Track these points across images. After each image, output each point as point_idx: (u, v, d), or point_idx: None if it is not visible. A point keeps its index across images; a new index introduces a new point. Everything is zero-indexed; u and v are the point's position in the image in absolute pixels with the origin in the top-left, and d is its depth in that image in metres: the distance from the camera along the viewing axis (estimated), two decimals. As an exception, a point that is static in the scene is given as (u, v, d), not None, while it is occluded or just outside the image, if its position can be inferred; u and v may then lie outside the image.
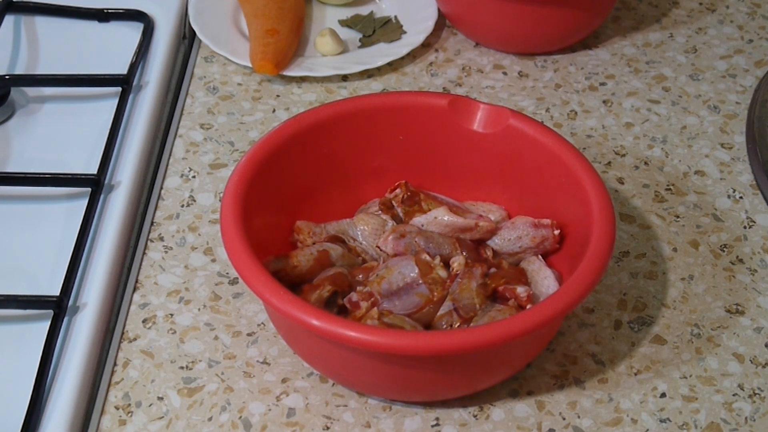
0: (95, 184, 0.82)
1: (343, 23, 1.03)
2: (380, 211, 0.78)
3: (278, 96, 0.95)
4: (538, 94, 0.95)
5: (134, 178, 0.84)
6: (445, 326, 0.70)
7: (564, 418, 0.70)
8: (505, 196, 0.79)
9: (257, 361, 0.73)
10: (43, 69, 0.97)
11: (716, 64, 0.99)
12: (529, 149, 0.76)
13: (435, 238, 0.74)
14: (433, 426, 0.70)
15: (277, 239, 0.75)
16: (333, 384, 0.71)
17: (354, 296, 0.70)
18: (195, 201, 0.84)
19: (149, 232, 0.82)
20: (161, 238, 0.81)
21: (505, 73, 0.98)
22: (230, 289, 0.77)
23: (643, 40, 1.02)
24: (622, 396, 0.71)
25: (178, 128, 0.91)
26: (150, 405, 0.70)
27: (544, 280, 0.73)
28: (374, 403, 0.70)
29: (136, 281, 0.78)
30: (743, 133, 0.91)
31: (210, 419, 0.69)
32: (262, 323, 0.75)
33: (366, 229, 0.77)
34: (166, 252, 0.80)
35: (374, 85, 0.96)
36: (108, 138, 0.86)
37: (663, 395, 0.71)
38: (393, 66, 0.98)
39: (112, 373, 0.72)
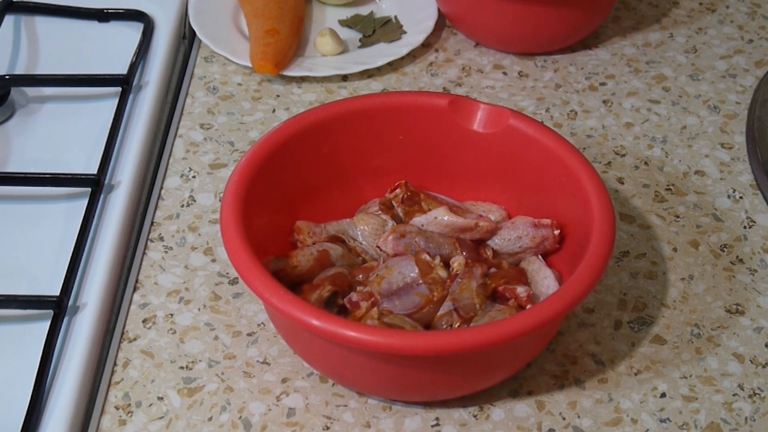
0: (95, 184, 0.82)
1: (343, 23, 1.03)
2: (380, 211, 0.78)
3: (278, 96, 0.95)
4: (538, 94, 0.95)
5: (134, 178, 0.84)
6: (445, 326, 0.70)
7: (564, 418, 0.70)
8: (505, 196, 0.79)
9: (257, 361, 0.73)
10: (43, 69, 0.97)
11: (716, 64, 0.99)
12: (529, 149, 0.76)
13: (435, 238, 0.74)
14: (433, 426, 0.70)
15: (277, 239, 0.75)
16: (333, 384, 0.71)
17: (354, 296, 0.70)
18: (195, 201, 0.84)
19: (149, 232, 0.82)
20: (161, 238, 0.81)
21: (505, 73, 0.98)
22: (230, 289, 0.77)
23: (643, 40, 1.02)
24: (622, 396, 0.71)
25: (178, 128, 0.91)
26: (150, 405, 0.70)
27: (544, 280, 0.73)
28: (374, 403, 0.70)
29: (136, 281, 0.78)
30: (743, 133, 0.91)
31: (210, 419, 0.69)
32: (262, 323, 0.75)
33: (366, 229, 0.77)
34: (166, 252, 0.80)
35: (374, 85, 0.96)
36: (108, 138, 0.86)
37: (663, 395, 0.71)
38: (393, 66, 0.98)
39: (112, 373, 0.72)
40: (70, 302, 0.75)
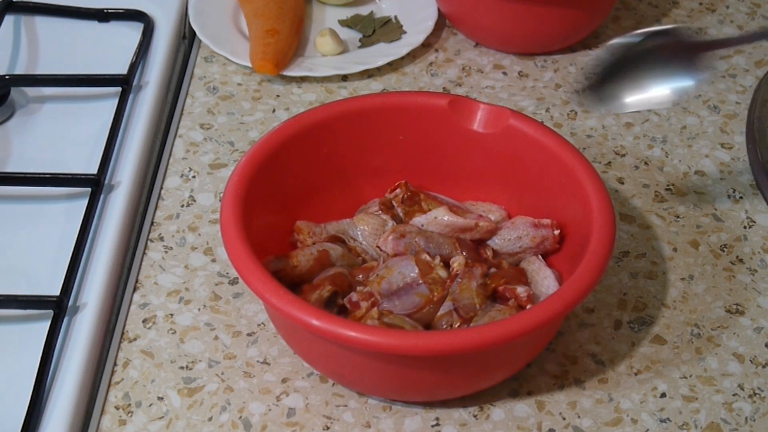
0: (95, 184, 0.82)
1: (343, 23, 1.03)
2: (380, 211, 0.78)
3: (278, 96, 0.95)
4: (538, 94, 0.95)
5: (134, 178, 0.84)
6: (445, 326, 0.70)
7: (564, 418, 0.70)
8: (505, 196, 0.79)
9: (257, 361, 0.73)
10: (43, 69, 0.97)
11: (716, 64, 0.99)
12: (529, 149, 0.76)
13: (435, 238, 0.74)
14: (433, 426, 0.70)
15: (277, 239, 0.75)
16: (333, 384, 0.71)
17: (354, 296, 0.70)
18: (195, 201, 0.84)
19: (149, 232, 0.82)
20: (161, 238, 0.81)
21: (505, 73, 0.98)
22: (230, 289, 0.77)
23: (643, 40, 1.02)
24: (622, 396, 0.71)
25: (178, 128, 0.91)
26: (150, 405, 0.70)
27: (544, 280, 0.73)
28: (374, 403, 0.70)
29: (136, 281, 0.78)
30: (743, 133, 0.91)
31: (210, 419, 0.69)
32: (262, 323, 0.75)
33: (366, 229, 0.77)
34: (166, 252, 0.80)
35: (374, 85, 0.96)
36: (108, 138, 0.86)
37: (663, 395, 0.71)
38: (393, 66, 0.98)
39: (112, 373, 0.72)
40: (70, 302, 0.75)
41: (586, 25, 0.98)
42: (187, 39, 1.02)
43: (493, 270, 0.73)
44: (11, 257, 0.79)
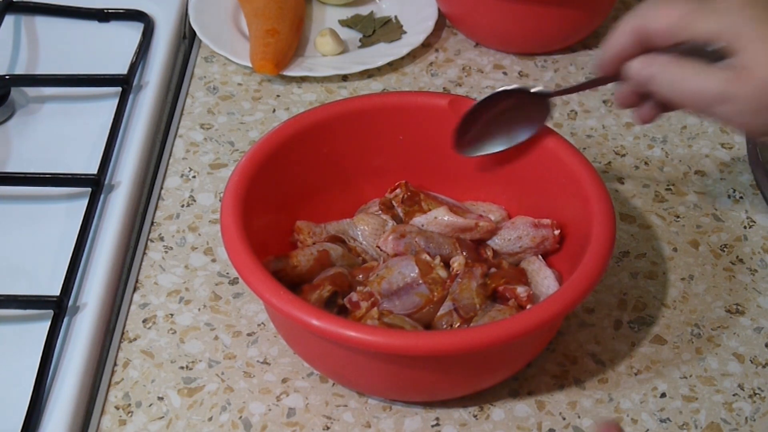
0: (95, 184, 0.82)
1: (343, 23, 1.03)
2: (380, 211, 0.78)
3: (278, 96, 0.95)
4: (538, 94, 0.95)
5: (134, 178, 0.84)
6: (445, 326, 0.70)
7: (564, 418, 0.70)
8: (505, 196, 0.79)
9: (257, 361, 0.73)
10: (43, 69, 0.97)
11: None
12: (529, 149, 0.76)
13: (435, 238, 0.74)
14: (433, 426, 0.70)
15: (277, 239, 0.75)
16: (333, 384, 0.71)
17: (354, 296, 0.70)
18: (195, 201, 0.84)
19: (149, 232, 0.82)
20: (161, 238, 0.81)
21: (505, 73, 0.98)
22: (230, 289, 0.77)
23: (643, 40, 1.02)
24: (622, 396, 0.71)
25: (178, 128, 0.91)
26: (150, 405, 0.70)
27: (544, 280, 0.73)
28: (374, 403, 0.70)
29: (136, 281, 0.78)
30: (743, 133, 0.91)
31: (210, 419, 0.69)
32: (262, 323, 0.75)
33: (366, 229, 0.77)
34: (166, 252, 0.80)
35: (374, 85, 0.96)
36: (108, 138, 0.86)
37: (663, 395, 0.71)
38: (393, 66, 0.98)
39: (112, 373, 0.72)
40: (70, 302, 0.75)
41: (586, 25, 0.98)
42: (187, 39, 1.02)
43: (493, 270, 0.73)
44: (11, 257, 0.79)
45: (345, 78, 0.97)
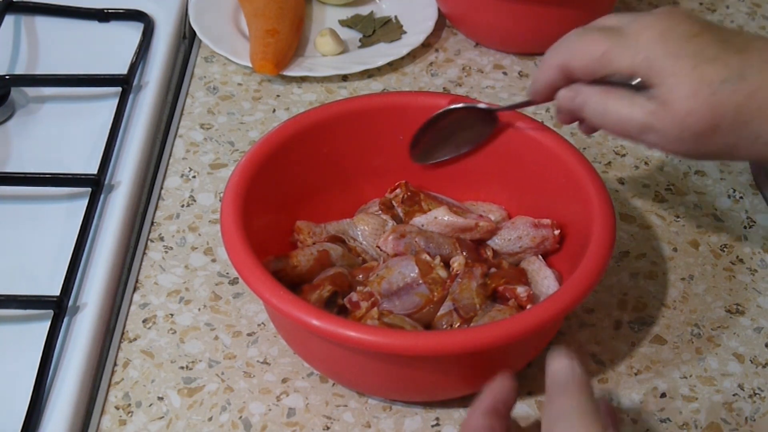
0: (95, 184, 0.82)
1: (343, 23, 1.03)
2: (380, 211, 0.78)
3: (278, 96, 0.95)
4: (538, 94, 0.95)
5: (134, 178, 0.84)
6: (445, 326, 0.70)
7: (564, 418, 0.70)
8: (505, 196, 0.79)
9: (257, 361, 0.73)
10: (43, 69, 0.97)
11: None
12: (529, 149, 0.76)
13: (435, 238, 0.74)
14: (433, 426, 0.70)
15: (277, 239, 0.75)
16: (333, 384, 0.71)
17: (354, 296, 0.70)
18: (195, 201, 0.84)
19: (149, 232, 0.82)
20: (161, 238, 0.81)
21: (505, 73, 0.98)
22: (230, 289, 0.77)
23: (643, 40, 1.02)
24: (622, 396, 0.71)
25: (178, 128, 0.91)
26: (150, 405, 0.70)
27: (544, 280, 0.73)
28: (374, 403, 0.70)
29: (136, 281, 0.78)
30: (743, 133, 0.91)
31: (210, 419, 0.69)
32: (262, 323, 0.75)
33: (366, 229, 0.77)
34: (166, 252, 0.80)
35: (374, 85, 0.96)
36: (108, 138, 0.86)
37: (663, 395, 0.71)
38: (393, 66, 0.98)
39: (112, 373, 0.72)
40: (70, 302, 0.75)
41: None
42: (187, 39, 1.02)
43: (493, 270, 0.73)
44: (11, 257, 0.79)
45: (345, 78, 0.97)
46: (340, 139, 0.77)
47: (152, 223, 0.82)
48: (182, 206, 0.84)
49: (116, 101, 0.90)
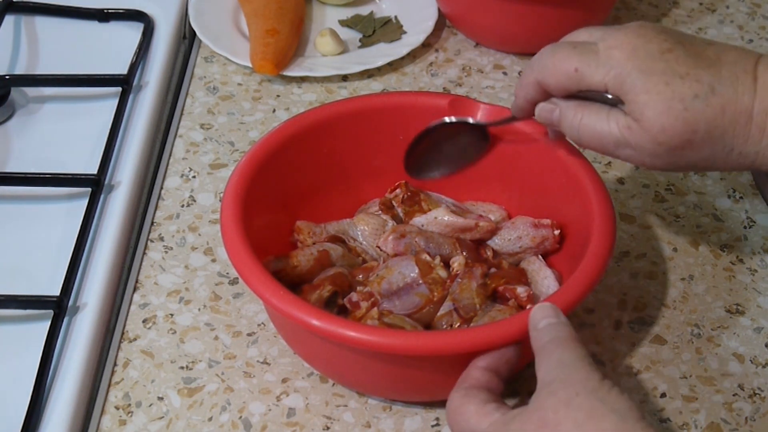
0: (95, 184, 0.82)
1: (343, 23, 1.03)
2: (380, 211, 0.78)
3: (278, 96, 0.95)
4: (538, 94, 0.95)
5: (134, 178, 0.84)
6: (445, 326, 0.70)
7: (564, 418, 0.70)
8: (505, 196, 0.79)
9: (257, 361, 0.73)
10: (43, 69, 0.97)
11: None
12: (529, 149, 0.76)
13: (435, 238, 0.74)
14: (433, 426, 0.70)
15: (277, 239, 0.75)
16: (333, 384, 0.71)
17: (354, 296, 0.70)
18: (195, 201, 0.84)
19: (149, 232, 0.82)
20: (161, 238, 0.81)
21: (505, 73, 0.98)
22: (230, 289, 0.77)
23: (643, 40, 1.02)
24: (622, 396, 0.71)
25: (178, 128, 0.91)
26: (150, 405, 0.70)
27: (544, 280, 0.73)
28: (374, 403, 0.70)
29: (136, 281, 0.78)
30: (743, 133, 0.91)
31: (210, 419, 0.69)
32: (262, 323, 0.75)
33: (366, 229, 0.77)
34: (166, 252, 0.80)
35: (374, 85, 0.96)
36: (108, 138, 0.86)
37: (663, 395, 0.71)
38: (393, 66, 0.98)
39: (112, 373, 0.72)
40: (70, 302, 0.75)
41: (585, 26, 0.98)
42: (187, 39, 1.02)
43: (493, 270, 0.73)
44: (11, 257, 0.79)
45: (345, 78, 0.97)
46: (340, 139, 0.77)
47: (152, 223, 0.82)
48: (182, 206, 0.84)
49: (116, 101, 0.90)
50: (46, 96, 0.94)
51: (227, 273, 0.79)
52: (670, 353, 0.74)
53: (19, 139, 0.89)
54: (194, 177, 0.86)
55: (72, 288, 0.75)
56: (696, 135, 0.62)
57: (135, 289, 0.78)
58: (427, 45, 1.01)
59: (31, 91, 0.94)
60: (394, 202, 0.77)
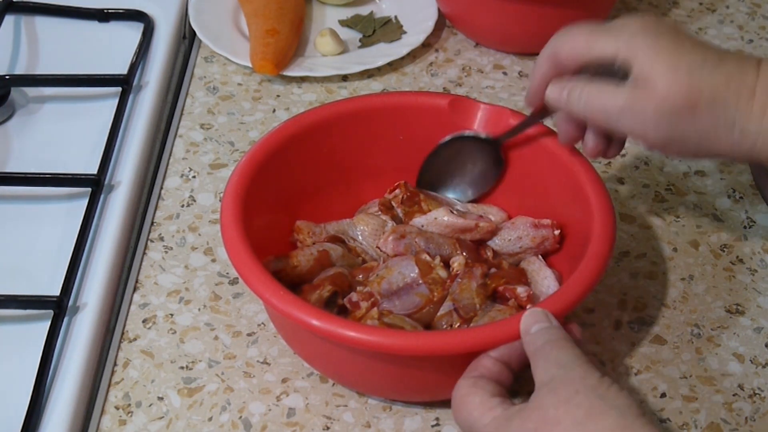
0: (95, 184, 0.82)
1: (343, 23, 1.03)
2: (380, 212, 0.78)
3: (278, 96, 0.95)
4: (538, 94, 0.95)
5: (134, 178, 0.84)
6: (445, 326, 0.70)
7: (564, 418, 0.70)
8: (505, 196, 0.79)
9: (257, 361, 0.73)
10: (43, 69, 0.97)
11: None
12: (529, 149, 0.76)
13: (435, 238, 0.74)
14: (433, 426, 0.70)
15: (277, 239, 0.75)
16: (333, 384, 0.71)
17: (354, 296, 0.70)
18: (195, 201, 0.84)
19: (149, 232, 0.82)
20: (161, 238, 0.81)
21: (505, 73, 0.98)
22: (230, 289, 0.77)
23: (643, 40, 1.02)
24: (622, 396, 0.71)
25: (178, 128, 0.91)
26: (150, 405, 0.70)
27: (544, 280, 0.73)
28: (374, 403, 0.70)
29: (136, 281, 0.78)
30: (743, 133, 0.91)
31: (210, 419, 0.69)
32: (262, 323, 0.75)
33: (366, 229, 0.77)
34: (166, 252, 0.80)
35: (374, 85, 0.96)
36: (108, 138, 0.86)
37: (663, 395, 0.71)
38: (393, 66, 0.98)
39: (112, 373, 0.72)
40: (70, 302, 0.75)
41: (586, 25, 0.98)
42: (187, 39, 1.02)
43: (493, 270, 0.73)
44: (11, 257, 0.79)
45: (345, 78, 0.97)
46: (339, 139, 0.77)
47: (152, 223, 0.82)
48: (182, 206, 0.84)
49: (116, 101, 0.90)
50: (46, 96, 0.94)
51: (227, 273, 0.79)
52: (670, 353, 0.74)
53: (19, 139, 0.89)
54: (194, 177, 0.86)
55: (72, 288, 0.75)
56: (699, 100, 0.62)
57: (135, 289, 0.78)
58: (427, 45, 1.01)
59: (31, 91, 0.94)
60: (393, 203, 0.77)
